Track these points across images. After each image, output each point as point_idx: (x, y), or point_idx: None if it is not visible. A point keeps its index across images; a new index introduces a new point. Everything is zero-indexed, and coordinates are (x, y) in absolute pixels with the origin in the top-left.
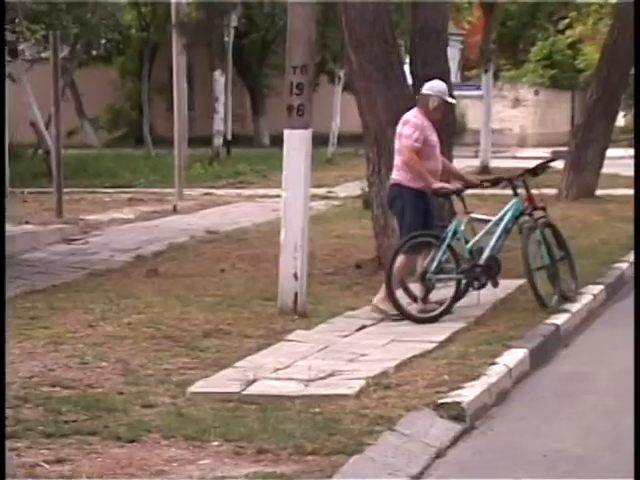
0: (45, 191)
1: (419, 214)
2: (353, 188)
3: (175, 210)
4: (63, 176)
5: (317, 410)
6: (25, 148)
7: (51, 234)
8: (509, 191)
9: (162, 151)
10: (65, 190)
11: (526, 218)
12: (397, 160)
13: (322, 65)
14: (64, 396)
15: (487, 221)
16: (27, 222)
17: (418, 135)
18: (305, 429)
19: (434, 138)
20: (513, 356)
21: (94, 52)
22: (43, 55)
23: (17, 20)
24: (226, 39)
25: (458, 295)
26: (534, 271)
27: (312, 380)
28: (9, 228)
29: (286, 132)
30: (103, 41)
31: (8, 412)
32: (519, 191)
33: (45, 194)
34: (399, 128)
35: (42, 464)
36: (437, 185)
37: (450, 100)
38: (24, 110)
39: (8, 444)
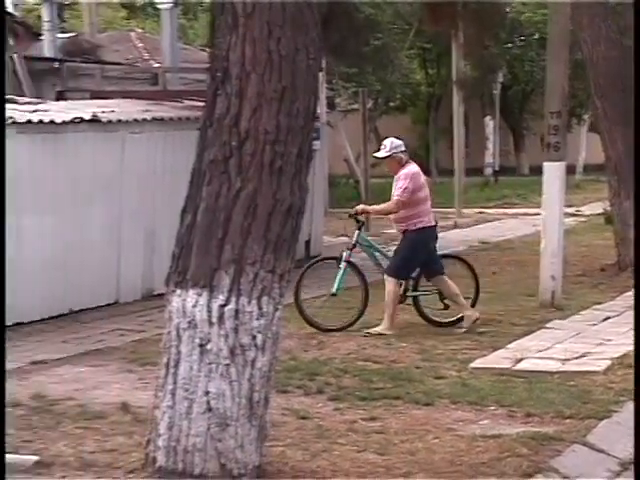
0: None
1: None
2: (596, 207)
3: (455, 225)
4: (370, 199)
5: (572, 383)
6: (340, 178)
7: None
8: None
9: (445, 179)
10: None
11: None
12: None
13: (572, 110)
14: (374, 369)
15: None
16: (342, 235)
17: None
18: (563, 398)
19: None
20: None
21: (392, 104)
22: (354, 107)
23: (334, 80)
24: (494, 92)
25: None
26: None
27: (568, 359)
28: (329, 240)
29: (545, 164)
30: (399, 95)
31: (331, 380)
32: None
33: None
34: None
35: (359, 421)
36: None
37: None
38: (339, 149)
39: (332, 405)
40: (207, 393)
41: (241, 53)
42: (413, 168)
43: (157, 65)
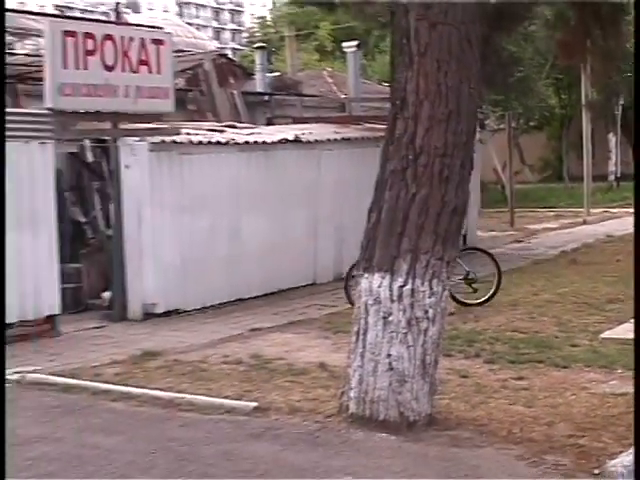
0: (502, 211)
1: None
2: None
3: (584, 222)
4: (513, 201)
5: None
6: (488, 184)
7: (507, 237)
8: None
9: (575, 185)
10: (515, 210)
11: None
12: None
13: None
14: (520, 338)
15: None
16: (492, 230)
17: None
18: None
19: None
20: None
21: (531, 124)
22: (500, 126)
23: (484, 106)
24: (616, 112)
25: None
26: None
27: None
28: (481, 234)
29: None
30: (537, 117)
31: (486, 346)
32: None
33: (502, 213)
34: None
35: (509, 380)
36: None
37: None
38: (488, 161)
39: (487, 366)
40: (389, 356)
41: (416, 85)
42: None
43: (344, 96)
